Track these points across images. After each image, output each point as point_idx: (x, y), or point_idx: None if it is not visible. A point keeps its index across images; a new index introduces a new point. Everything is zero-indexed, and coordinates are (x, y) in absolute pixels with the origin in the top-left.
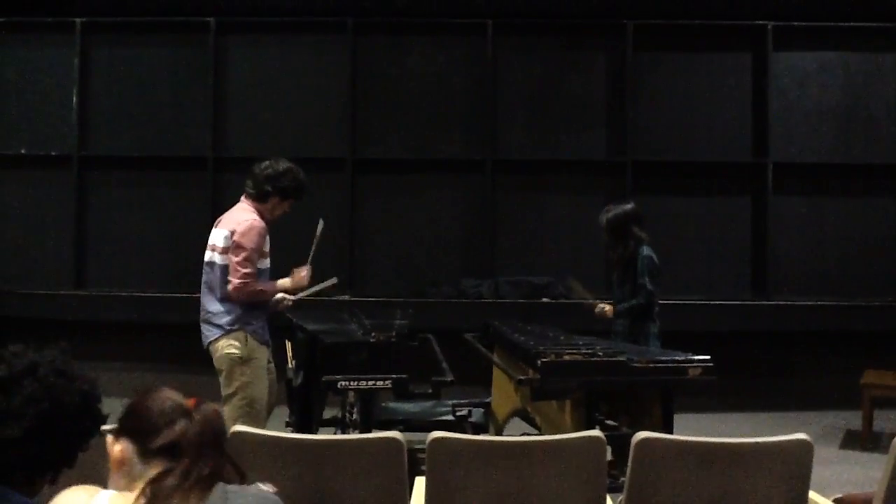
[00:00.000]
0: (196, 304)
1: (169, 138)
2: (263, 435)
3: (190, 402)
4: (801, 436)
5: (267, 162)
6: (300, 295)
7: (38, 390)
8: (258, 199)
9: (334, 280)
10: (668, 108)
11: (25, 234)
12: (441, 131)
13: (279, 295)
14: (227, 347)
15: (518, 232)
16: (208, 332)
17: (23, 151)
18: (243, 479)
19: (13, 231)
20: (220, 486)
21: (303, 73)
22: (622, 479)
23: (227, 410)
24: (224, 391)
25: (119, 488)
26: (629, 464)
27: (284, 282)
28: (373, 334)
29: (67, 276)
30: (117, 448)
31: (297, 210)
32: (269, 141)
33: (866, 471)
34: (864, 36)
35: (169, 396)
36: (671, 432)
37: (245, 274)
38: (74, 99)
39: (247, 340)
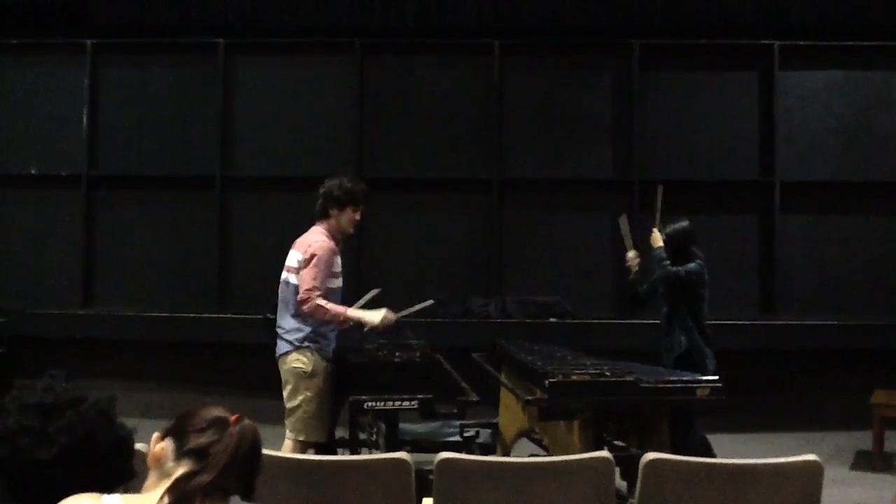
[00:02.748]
0: (202, 323)
1: (178, 158)
2: (273, 455)
3: (233, 418)
4: (811, 456)
5: (323, 182)
6: (400, 315)
7: (77, 422)
8: (322, 216)
9: (431, 301)
10: (674, 126)
11: (34, 254)
12: (448, 150)
13: (382, 316)
14: (294, 362)
15: (525, 251)
16: (280, 346)
17: (33, 171)
18: (250, 497)
19: (22, 250)
20: (235, 499)
21: (311, 93)
22: (630, 500)
23: (290, 422)
24: (288, 403)
25: (151, 484)
26: (638, 485)
27: (364, 315)
28: (397, 354)
29: (75, 295)
30: (159, 445)
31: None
32: (277, 160)
33: (877, 492)
34: (871, 54)
35: (215, 408)
36: (680, 453)
37: (310, 288)
38: (84, 119)
39: (313, 356)
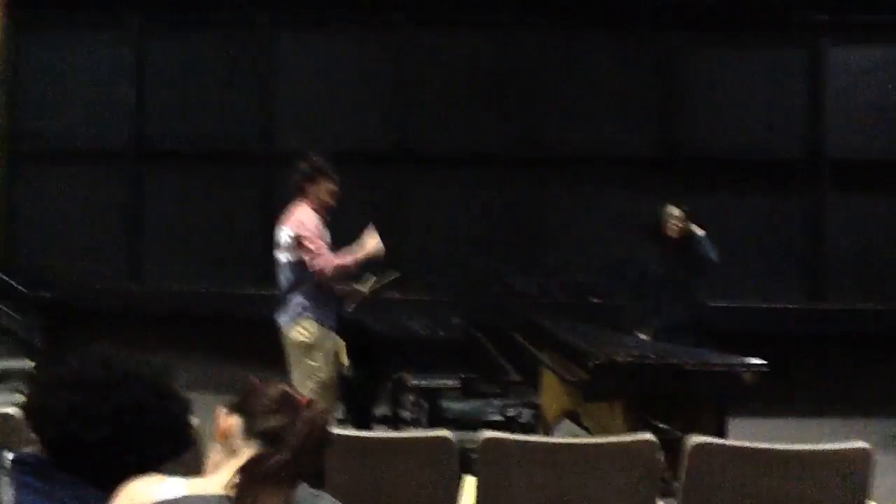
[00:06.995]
0: (247, 299)
1: (222, 133)
2: None
3: (303, 401)
4: (861, 443)
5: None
6: (368, 289)
7: (127, 404)
8: (300, 193)
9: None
10: (719, 104)
11: (82, 228)
12: (490, 126)
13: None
14: (296, 335)
15: (567, 229)
16: (280, 320)
17: (79, 146)
18: (320, 484)
19: (70, 224)
20: (304, 486)
21: (352, 68)
22: (675, 483)
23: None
24: (294, 374)
25: (216, 460)
26: (684, 468)
27: (366, 247)
28: (439, 332)
29: (122, 269)
30: (228, 421)
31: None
32: (318, 135)
33: None
34: None
35: (284, 388)
36: (724, 436)
37: (319, 256)
38: (131, 94)
39: (312, 327)
